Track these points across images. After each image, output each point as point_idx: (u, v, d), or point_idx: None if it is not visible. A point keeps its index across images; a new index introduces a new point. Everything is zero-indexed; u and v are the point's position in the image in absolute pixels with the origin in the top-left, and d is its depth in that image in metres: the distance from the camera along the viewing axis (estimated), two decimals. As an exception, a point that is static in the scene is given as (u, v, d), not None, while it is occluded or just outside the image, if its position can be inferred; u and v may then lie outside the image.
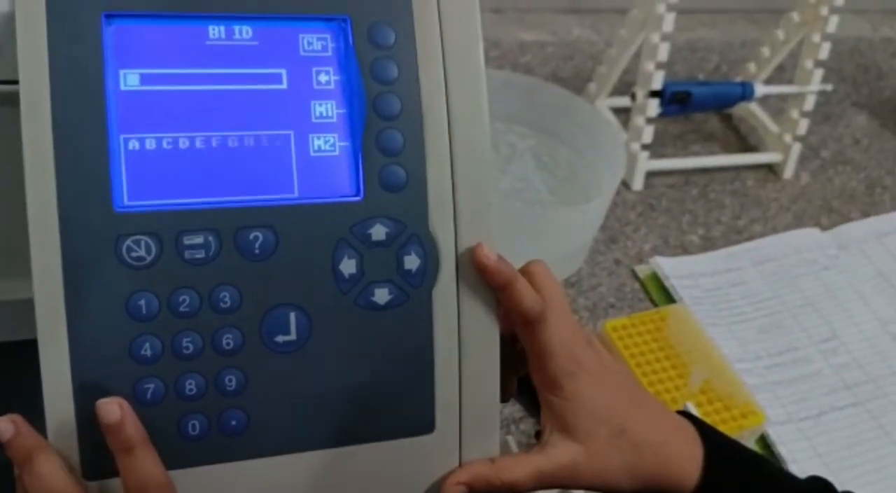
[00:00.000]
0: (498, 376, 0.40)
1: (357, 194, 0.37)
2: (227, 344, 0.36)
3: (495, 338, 0.40)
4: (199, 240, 0.35)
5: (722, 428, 0.62)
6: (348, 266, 0.37)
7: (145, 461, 0.34)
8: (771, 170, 1.01)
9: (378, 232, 0.37)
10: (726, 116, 1.09)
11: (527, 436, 0.66)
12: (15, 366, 0.39)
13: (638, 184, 0.93)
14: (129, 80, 0.35)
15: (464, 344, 0.39)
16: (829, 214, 0.96)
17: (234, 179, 0.36)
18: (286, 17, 0.37)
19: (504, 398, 0.44)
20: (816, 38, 0.95)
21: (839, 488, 0.43)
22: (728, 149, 1.03)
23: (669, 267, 0.83)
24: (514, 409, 0.67)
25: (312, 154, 0.37)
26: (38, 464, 0.33)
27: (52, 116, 0.33)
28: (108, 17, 0.35)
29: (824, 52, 0.96)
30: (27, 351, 0.34)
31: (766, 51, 1.02)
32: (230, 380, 0.36)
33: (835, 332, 0.80)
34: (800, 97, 0.97)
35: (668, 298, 0.81)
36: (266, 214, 0.36)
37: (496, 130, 0.87)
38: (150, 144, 0.35)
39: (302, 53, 0.37)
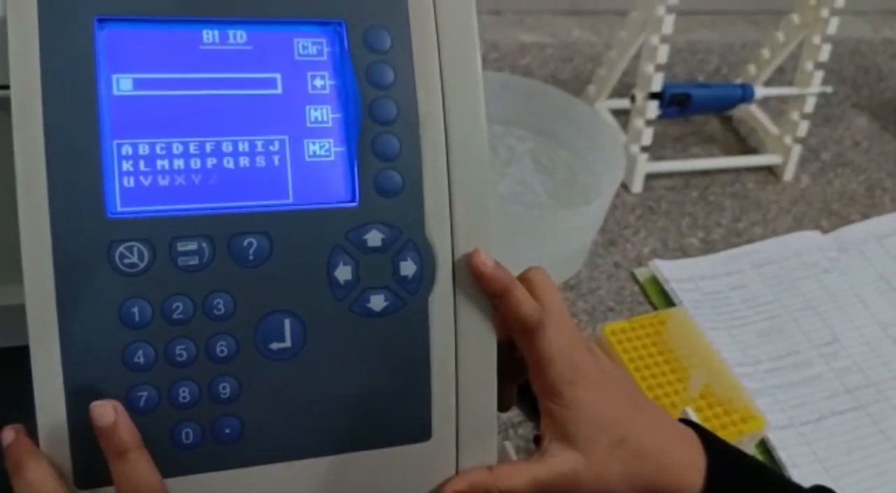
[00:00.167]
0: (495, 383, 0.40)
1: (352, 200, 0.37)
2: (221, 351, 0.35)
3: (492, 345, 0.40)
4: (192, 246, 0.35)
5: (722, 433, 0.62)
6: (343, 273, 0.37)
7: (139, 466, 0.33)
8: (771, 172, 1.01)
9: (374, 238, 0.37)
10: (726, 118, 1.08)
11: (525, 441, 0.65)
12: (14, 372, 0.38)
13: (637, 186, 0.93)
14: (122, 84, 0.35)
15: (460, 351, 0.39)
16: (829, 216, 0.95)
17: (228, 185, 0.36)
18: (281, 22, 0.37)
19: (503, 408, 0.44)
20: (817, 39, 0.95)
21: (840, 493, 0.43)
22: (728, 151, 1.03)
23: (669, 270, 0.83)
24: (513, 413, 0.66)
25: (307, 159, 0.37)
26: (27, 470, 0.33)
27: (44, 120, 0.33)
28: (101, 21, 0.34)
29: (824, 53, 0.95)
30: (25, 357, 0.34)
31: (766, 52, 1.02)
32: (224, 388, 0.36)
33: (835, 335, 0.80)
34: (800, 99, 0.97)
35: (668, 301, 0.80)
36: (260, 221, 0.36)
37: (495, 133, 0.87)
38: (144, 150, 0.35)
39: (297, 58, 0.37)
